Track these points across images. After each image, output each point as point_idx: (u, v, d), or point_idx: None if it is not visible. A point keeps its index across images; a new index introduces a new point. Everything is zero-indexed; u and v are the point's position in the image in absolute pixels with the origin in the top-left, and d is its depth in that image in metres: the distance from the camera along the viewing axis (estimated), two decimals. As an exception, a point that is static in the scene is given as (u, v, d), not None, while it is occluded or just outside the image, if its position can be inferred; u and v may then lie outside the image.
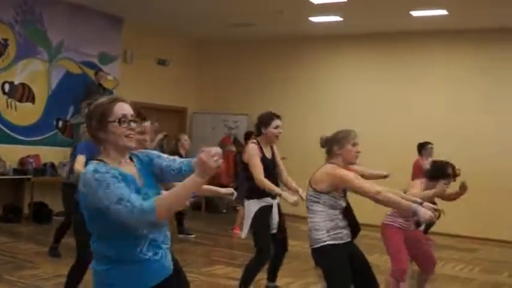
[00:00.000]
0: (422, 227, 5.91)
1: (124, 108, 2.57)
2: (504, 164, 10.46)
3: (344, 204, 4.22)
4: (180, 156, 9.00)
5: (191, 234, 9.43)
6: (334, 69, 12.38)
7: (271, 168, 5.69)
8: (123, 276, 2.49)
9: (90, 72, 11.09)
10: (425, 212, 3.85)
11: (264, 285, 6.11)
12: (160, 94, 12.83)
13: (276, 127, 5.63)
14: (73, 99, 10.65)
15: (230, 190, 4.29)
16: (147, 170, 2.66)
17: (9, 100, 9.93)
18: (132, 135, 2.57)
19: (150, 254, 2.53)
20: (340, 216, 4.17)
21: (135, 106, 2.72)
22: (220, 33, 12.84)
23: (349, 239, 4.19)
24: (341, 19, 10.86)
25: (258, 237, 5.59)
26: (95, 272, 2.56)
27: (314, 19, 11.02)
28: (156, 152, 2.75)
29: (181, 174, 2.65)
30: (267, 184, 5.43)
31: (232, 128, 12.53)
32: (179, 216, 9.40)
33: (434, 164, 5.56)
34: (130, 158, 2.66)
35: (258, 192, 5.52)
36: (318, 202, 4.09)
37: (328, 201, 4.14)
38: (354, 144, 4.21)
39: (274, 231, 5.70)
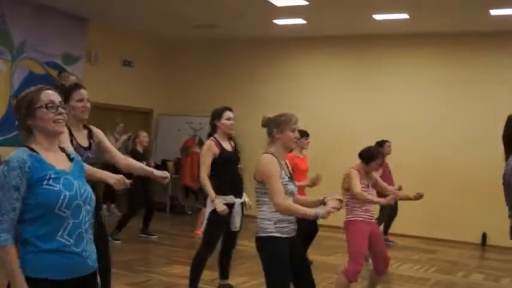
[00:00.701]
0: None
1: (50, 95, 2.65)
2: (463, 166, 10.69)
3: (293, 188, 4.12)
4: (138, 152, 9.06)
5: (153, 235, 9.43)
6: (299, 70, 12.48)
7: (234, 161, 5.80)
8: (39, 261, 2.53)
9: (54, 73, 11.00)
10: (325, 213, 3.86)
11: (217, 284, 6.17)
12: (126, 95, 12.81)
13: (228, 119, 5.77)
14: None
15: (165, 173, 4.20)
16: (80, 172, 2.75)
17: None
18: (60, 120, 2.64)
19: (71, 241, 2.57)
20: None
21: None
22: (185, 35, 12.86)
23: (294, 234, 4.15)
24: (304, 22, 10.97)
25: (207, 232, 5.67)
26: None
27: (278, 21, 11.11)
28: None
29: None
30: (207, 185, 5.50)
31: (197, 129, 12.54)
32: (147, 216, 9.40)
33: (366, 149, 5.84)
34: (69, 156, 2.73)
35: (221, 190, 5.55)
36: (266, 193, 4.01)
37: None
38: (294, 130, 4.16)
39: (236, 229, 5.75)
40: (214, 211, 5.53)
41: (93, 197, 2.71)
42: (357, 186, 5.53)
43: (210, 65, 13.35)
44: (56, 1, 10.57)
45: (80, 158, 2.85)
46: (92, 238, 2.74)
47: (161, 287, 6.53)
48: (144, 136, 9.38)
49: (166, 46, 13.75)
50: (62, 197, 2.52)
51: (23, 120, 2.62)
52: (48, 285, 2.51)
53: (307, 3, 9.68)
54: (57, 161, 2.64)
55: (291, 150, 4.89)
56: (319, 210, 3.88)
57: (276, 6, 9.95)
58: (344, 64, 12.17)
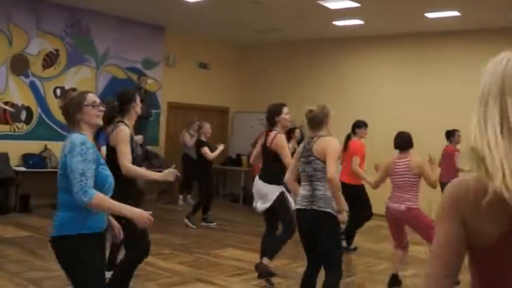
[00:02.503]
0: None
1: (93, 97, 3.62)
2: None
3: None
4: (202, 141, 10.02)
5: (212, 222, 10.34)
6: (358, 69, 13.09)
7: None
8: (77, 220, 3.43)
9: (134, 77, 12.28)
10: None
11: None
12: (203, 95, 13.90)
13: (287, 113, 6.34)
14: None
15: (169, 172, 4.93)
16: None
17: (60, 103, 11.26)
18: (99, 115, 3.60)
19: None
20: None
21: None
22: (251, 38, 13.81)
23: None
24: (362, 22, 11.54)
25: (284, 214, 6.28)
26: (57, 218, 3.50)
27: (337, 23, 11.75)
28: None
29: None
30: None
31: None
32: (205, 206, 10.34)
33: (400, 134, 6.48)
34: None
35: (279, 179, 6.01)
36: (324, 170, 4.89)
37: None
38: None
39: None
40: (279, 200, 6.24)
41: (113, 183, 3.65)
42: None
43: (277, 65, 14.25)
44: (135, 13, 11.79)
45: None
46: None
47: (206, 265, 7.40)
48: (207, 128, 10.26)
49: (238, 49, 14.73)
50: (109, 181, 3.54)
51: (72, 115, 3.55)
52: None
53: (358, 5, 10.26)
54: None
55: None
56: None
57: (330, 9, 10.61)
58: (399, 62, 12.63)
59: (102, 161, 3.57)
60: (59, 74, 11.25)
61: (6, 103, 10.37)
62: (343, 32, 12.46)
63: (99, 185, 3.42)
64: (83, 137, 3.44)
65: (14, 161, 10.74)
